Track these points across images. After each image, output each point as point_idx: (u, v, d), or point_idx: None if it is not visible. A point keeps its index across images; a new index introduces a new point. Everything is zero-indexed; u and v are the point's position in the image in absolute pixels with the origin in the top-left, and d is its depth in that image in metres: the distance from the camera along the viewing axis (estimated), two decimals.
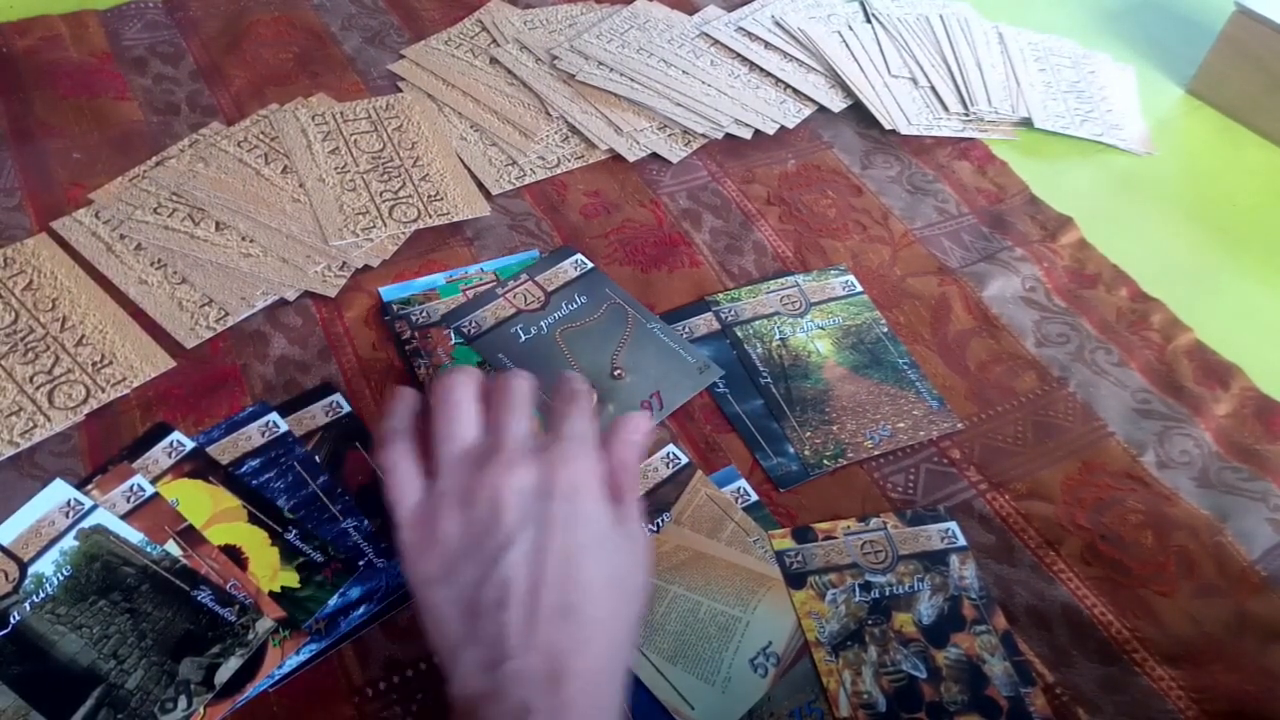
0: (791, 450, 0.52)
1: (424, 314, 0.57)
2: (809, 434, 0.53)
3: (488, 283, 0.59)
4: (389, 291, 0.58)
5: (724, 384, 0.55)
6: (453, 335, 0.56)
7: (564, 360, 0.55)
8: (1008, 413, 0.56)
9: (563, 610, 0.35)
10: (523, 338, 0.56)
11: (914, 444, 0.53)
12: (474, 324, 0.56)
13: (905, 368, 0.57)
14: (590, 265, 0.61)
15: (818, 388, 0.55)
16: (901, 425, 0.54)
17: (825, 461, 0.52)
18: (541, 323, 0.57)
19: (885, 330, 0.59)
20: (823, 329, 0.59)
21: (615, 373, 0.54)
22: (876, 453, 0.52)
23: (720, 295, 0.60)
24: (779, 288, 0.61)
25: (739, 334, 0.58)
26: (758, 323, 0.58)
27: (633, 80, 0.75)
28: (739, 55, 0.80)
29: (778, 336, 0.58)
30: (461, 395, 0.40)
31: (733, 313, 0.59)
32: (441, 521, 0.37)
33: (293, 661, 0.42)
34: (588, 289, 0.59)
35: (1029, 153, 0.76)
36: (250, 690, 0.41)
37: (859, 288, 0.62)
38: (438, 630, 0.36)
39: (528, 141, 0.70)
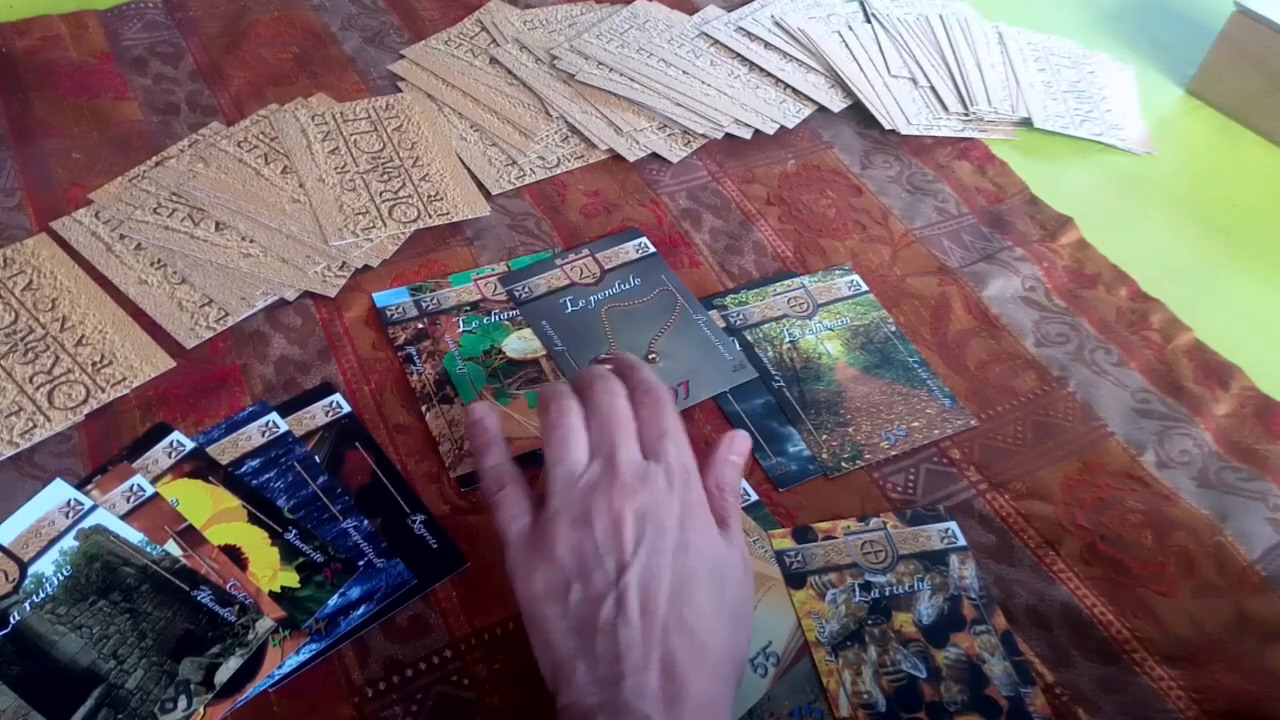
0: (791, 450, 0.52)
1: (434, 300, 0.58)
2: (825, 437, 0.53)
3: (500, 273, 0.60)
4: (382, 298, 0.58)
5: None
6: (461, 324, 0.56)
7: (604, 336, 0.56)
8: (1007, 413, 0.56)
9: (679, 631, 0.36)
10: (569, 309, 0.57)
11: (930, 443, 0.53)
12: (526, 289, 0.59)
13: (916, 366, 0.57)
14: (652, 250, 0.62)
15: (830, 390, 0.55)
16: (916, 425, 0.54)
17: (844, 464, 0.52)
18: (591, 297, 0.58)
19: (893, 329, 0.59)
20: (831, 330, 0.59)
21: (650, 356, 0.55)
22: (894, 453, 0.52)
23: (727, 298, 0.60)
24: (785, 289, 0.61)
25: (748, 337, 0.58)
26: (766, 325, 0.59)
27: (633, 80, 0.75)
28: (739, 55, 0.80)
29: (787, 339, 0.58)
30: (572, 419, 0.41)
31: (740, 316, 0.59)
32: (556, 541, 0.38)
33: (293, 661, 0.42)
34: (643, 272, 0.61)
35: (1029, 153, 0.76)
36: (250, 690, 0.41)
37: (864, 287, 0.62)
38: (546, 645, 0.37)
39: (528, 141, 0.70)
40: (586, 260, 0.61)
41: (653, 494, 0.39)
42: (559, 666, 0.36)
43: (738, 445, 0.44)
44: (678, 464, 0.41)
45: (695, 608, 0.37)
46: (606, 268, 0.61)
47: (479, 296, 0.58)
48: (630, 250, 0.62)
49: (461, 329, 0.56)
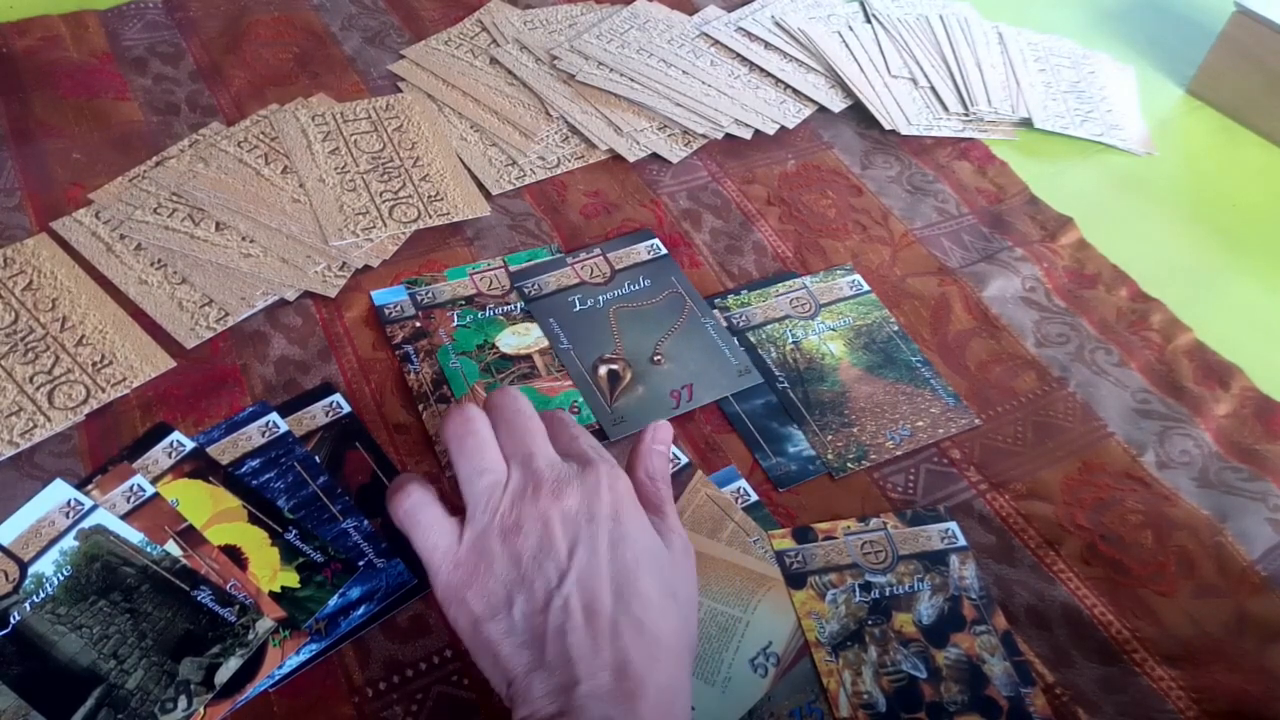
0: (792, 450, 0.52)
1: (429, 295, 0.58)
2: (830, 437, 0.53)
3: (497, 268, 0.60)
4: (380, 296, 0.58)
5: None
6: (456, 318, 0.56)
7: (611, 336, 0.56)
8: (1008, 413, 0.56)
9: (629, 627, 0.36)
10: (578, 307, 0.58)
11: (932, 443, 0.53)
12: (536, 286, 0.59)
13: (919, 365, 0.57)
14: (664, 252, 0.62)
15: (834, 390, 0.55)
16: (920, 424, 0.54)
17: (849, 465, 0.52)
18: (600, 296, 0.59)
19: (896, 329, 0.59)
20: (834, 330, 0.59)
21: (655, 358, 0.55)
22: (899, 453, 0.52)
23: (729, 299, 0.60)
24: (787, 290, 0.61)
25: (751, 338, 0.58)
26: (769, 326, 0.59)
27: (633, 80, 0.75)
28: (739, 55, 0.80)
29: (790, 340, 0.58)
30: (480, 430, 0.40)
31: (743, 317, 0.59)
32: (488, 557, 0.37)
33: (293, 661, 0.42)
34: (654, 273, 0.61)
35: (1029, 153, 0.76)
36: (250, 690, 0.41)
37: (866, 286, 0.62)
38: (496, 664, 0.36)
39: (528, 141, 0.70)
40: (597, 259, 0.61)
41: (579, 491, 0.38)
42: (512, 682, 0.36)
43: (660, 434, 0.43)
44: (597, 457, 0.40)
45: (641, 599, 0.37)
46: (617, 268, 0.61)
47: (474, 291, 0.58)
48: (642, 251, 0.62)
49: (456, 323, 0.56)
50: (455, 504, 0.39)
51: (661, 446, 0.43)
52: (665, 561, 0.39)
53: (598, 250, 0.62)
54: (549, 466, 0.39)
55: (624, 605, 0.36)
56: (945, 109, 0.77)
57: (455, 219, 0.63)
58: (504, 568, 0.37)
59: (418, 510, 0.38)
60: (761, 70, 0.78)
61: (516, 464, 0.39)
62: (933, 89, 0.79)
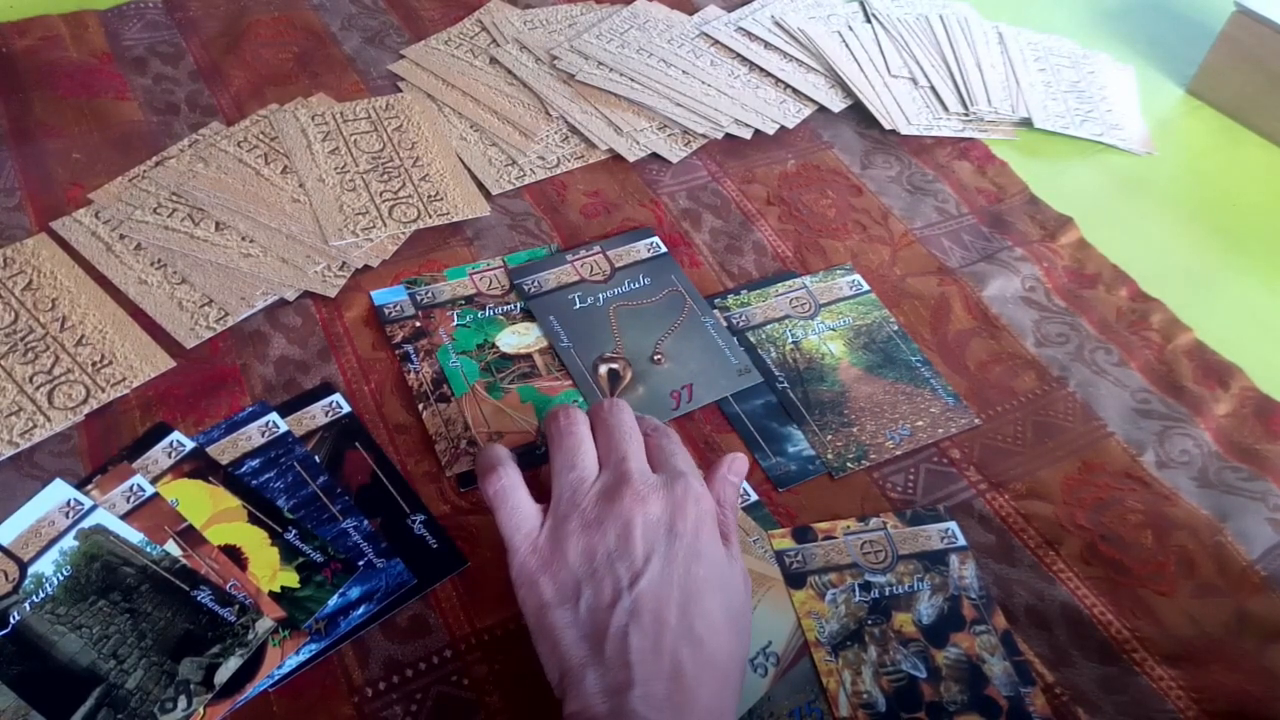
0: (792, 450, 0.52)
1: (429, 294, 0.58)
2: (830, 437, 0.53)
3: (497, 268, 0.60)
4: (380, 295, 0.58)
5: None
6: (456, 317, 0.56)
7: (611, 334, 0.56)
8: (1007, 413, 0.56)
9: (689, 641, 0.36)
10: (578, 305, 0.58)
11: (932, 443, 0.53)
12: (536, 283, 0.59)
13: (919, 365, 0.57)
14: (664, 250, 0.62)
15: (834, 390, 0.55)
16: (920, 424, 0.54)
17: (849, 464, 0.52)
18: (600, 294, 0.58)
19: (896, 328, 0.59)
20: (834, 330, 0.59)
21: (655, 357, 0.55)
22: (899, 453, 0.52)
23: (729, 298, 0.60)
24: (787, 290, 0.61)
25: (751, 338, 0.58)
26: (769, 326, 0.59)
27: (633, 80, 0.75)
28: (739, 55, 0.80)
29: (790, 340, 0.58)
30: (582, 429, 0.42)
31: (743, 317, 0.59)
32: (567, 546, 0.38)
33: (292, 661, 0.42)
34: (654, 271, 0.61)
35: (1029, 153, 0.76)
36: (250, 690, 0.41)
37: (866, 286, 0.62)
38: (554, 652, 0.37)
39: (528, 141, 0.70)
40: (597, 257, 0.61)
41: (665, 502, 0.39)
42: (567, 673, 0.36)
43: (736, 467, 0.44)
44: (690, 473, 0.41)
45: (705, 618, 0.37)
46: (617, 266, 0.61)
47: (474, 290, 0.58)
48: (642, 249, 0.62)
49: (456, 323, 0.56)
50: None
51: (735, 478, 0.44)
52: (731, 587, 0.40)
53: (597, 248, 0.62)
54: (639, 472, 0.40)
55: (688, 620, 0.37)
56: (945, 109, 0.77)
57: (455, 219, 0.63)
58: (578, 559, 0.38)
59: (509, 491, 0.40)
60: (761, 70, 0.78)
61: (610, 466, 0.40)
62: (933, 89, 0.79)
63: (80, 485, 0.47)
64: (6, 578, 0.43)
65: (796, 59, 0.80)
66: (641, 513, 0.38)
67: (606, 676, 0.35)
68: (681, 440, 0.44)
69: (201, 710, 0.40)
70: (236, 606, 0.43)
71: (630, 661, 0.35)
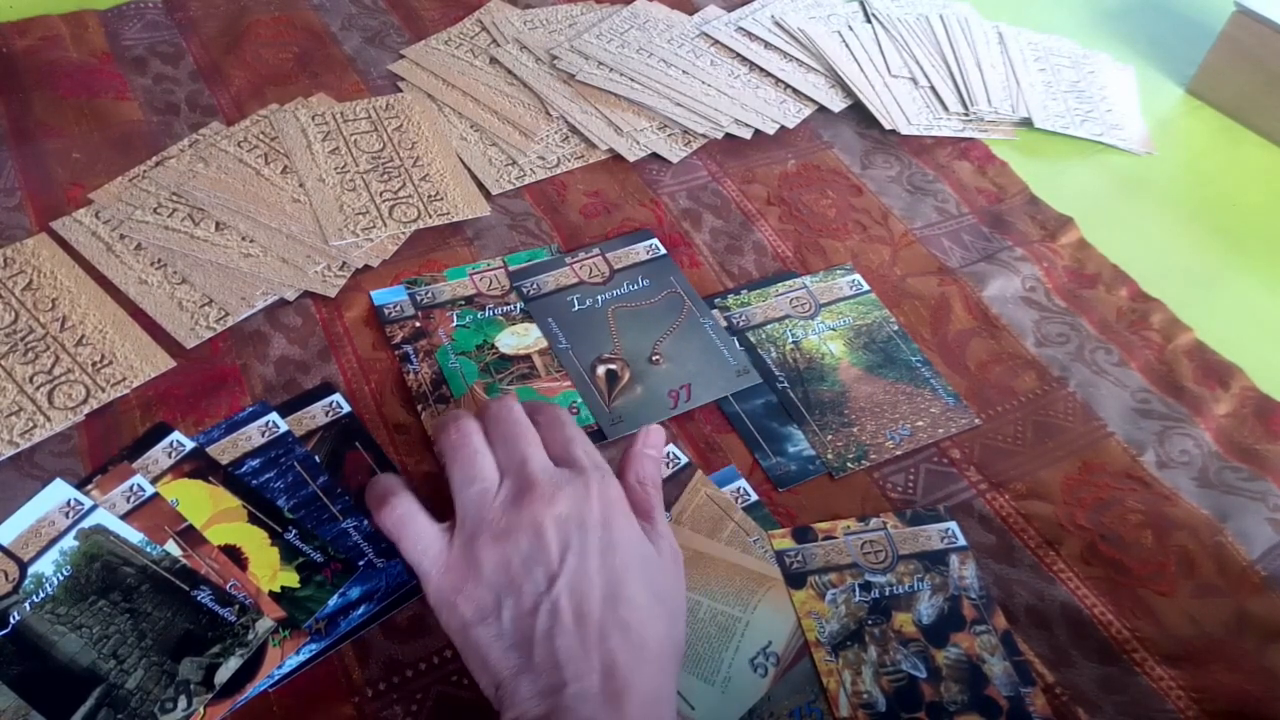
0: (791, 450, 0.52)
1: (429, 294, 0.58)
2: (830, 437, 0.53)
3: (497, 268, 0.60)
4: (380, 296, 0.58)
5: None
6: (455, 318, 0.56)
7: (609, 336, 0.56)
8: (1008, 413, 0.56)
9: (616, 630, 0.36)
10: (576, 307, 0.58)
11: (932, 443, 0.53)
12: (535, 285, 0.59)
13: (919, 365, 0.57)
14: (663, 252, 0.62)
15: (834, 390, 0.55)
16: (920, 424, 0.54)
17: (849, 465, 0.52)
18: (599, 296, 0.58)
19: (896, 328, 0.59)
20: (834, 330, 0.59)
21: (654, 358, 0.55)
22: (899, 453, 0.52)
23: (729, 298, 0.60)
24: (787, 290, 0.61)
25: (751, 338, 0.58)
26: (769, 326, 0.59)
27: (633, 80, 0.75)
28: (739, 55, 0.80)
29: (790, 340, 0.58)
30: (475, 439, 0.41)
31: (743, 317, 0.59)
32: (477, 562, 0.38)
33: (292, 661, 0.42)
34: (653, 273, 0.61)
35: (1029, 153, 0.76)
36: (250, 690, 0.41)
37: (866, 286, 0.62)
38: (484, 667, 0.37)
39: (528, 141, 0.70)
40: (596, 259, 0.61)
41: (571, 498, 0.39)
42: (500, 685, 0.36)
43: (653, 439, 0.44)
44: (590, 464, 0.41)
45: (629, 605, 0.37)
46: (616, 268, 0.61)
47: (474, 291, 0.58)
48: (641, 251, 0.62)
49: (455, 323, 0.56)
50: (444, 506, 0.40)
51: (653, 451, 0.44)
52: (654, 568, 0.39)
53: (596, 250, 0.62)
54: (542, 472, 0.40)
55: (612, 610, 0.37)
56: (945, 109, 0.77)
57: (455, 219, 0.63)
58: (493, 573, 0.38)
59: (408, 520, 0.40)
60: (761, 70, 0.78)
61: (510, 472, 0.40)
62: (933, 89, 0.79)
63: (80, 485, 0.47)
64: (6, 578, 0.43)
65: (796, 59, 0.80)
66: (550, 514, 0.38)
67: (539, 680, 0.35)
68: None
69: (201, 710, 0.40)
70: (236, 606, 0.43)
71: (560, 661, 0.35)
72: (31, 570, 0.43)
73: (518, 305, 0.58)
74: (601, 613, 0.36)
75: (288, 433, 0.50)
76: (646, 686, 0.36)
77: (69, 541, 0.44)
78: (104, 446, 0.49)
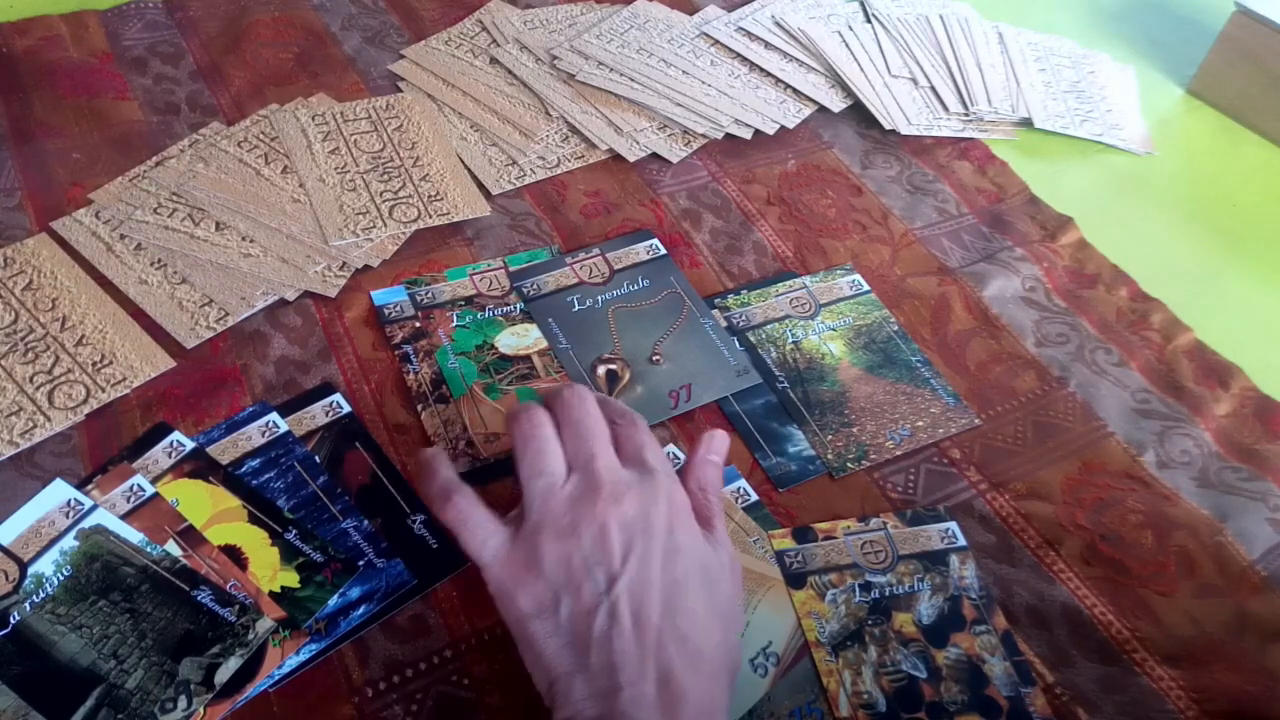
0: (792, 450, 0.52)
1: (429, 295, 0.58)
2: (830, 437, 0.53)
3: (497, 268, 0.60)
4: (380, 296, 0.58)
5: None
6: (455, 318, 0.56)
7: (609, 336, 0.56)
8: (1008, 413, 0.56)
9: (674, 639, 0.36)
10: (576, 307, 0.58)
11: (932, 443, 0.53)
12: (535, 286, 0.59)
13: (919, 365, 0.57)
14: (663, 252, 0.62)
15: (834, 390, 0.55)
16: (920, 424, 0.54)
17: (849, 465, 0.52)
18: (599, 296, 0.59)
19: (896, 329, 0.59)
20: (834, 330, 0.59)
21: (654, 358, 0.55)
22: (899, 453, 0.52)
23: (729, 298, 0.60)
24: (787, 290, 0.61)
25: (751, 338, 0.58)
26: (769, 326, 0.59)
27: (633, 80, 0.75)
28: (739, 55, 0.80)
29: (790, 340, 0.58)
30: (546, 430, 0.40)
31: (743, 317, 0.59)
32: (541, 556, 0.37)
33: (293, 661, 0.42)
34: (653, 273, 0.61)
35: (1029, 153, 0.76)
36: (250, 690, 0.41)
37: (866, 286, 0.62)
38: (539, 662, 0.37)
39: (528, 141, 0.70)
40: (596, 260, 0.61)
41: (637, 500, 0.38)
42: (554, 682, 0.36)
43: (716, 445, 0.43)
44: (659, 468, 0.40)
45: (688, 613, 0.37)
46: (616, 268, 0.61)
47: (474, 291, 0.58)
48: (641, 251, 0.62)
49: (455, 323, 0.56)
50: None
51: (715, 458, 0.43)
52: (714, 577, 0.39)
53: (596, 250, 0.62)
54: (609, 471, 0.39)
55: (671, 618, 0.36)
56: (945, 109, 0.77)
57: (455, 219, 0.63)
58: (553, 569, 0.37)
59: (468, 512, 0.39)
60: (761, 70, 0.78)
61: (579, 467, 0.39)
62: (933, 89, 0.79)
63: (80, 485, 0.47)
64: (6, 578, 0.43)
65: (796, 59, 0.80)
66: (616, 514, 0.38)
67: (594, 682, 0.35)
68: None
69: (201, 710, 0.40)
70: (237, 606, 0.43)
71: (616, 665, 0.35)
72: (31, 570, 0.43)
73: (518, 305, 0.58)
74: (660, 619, 0.36)
75: (288, 433, 0.50)
76: (701, 697, 0.35)
77: (69, 541, 0.44)
78: (104, 446, 0.49)
